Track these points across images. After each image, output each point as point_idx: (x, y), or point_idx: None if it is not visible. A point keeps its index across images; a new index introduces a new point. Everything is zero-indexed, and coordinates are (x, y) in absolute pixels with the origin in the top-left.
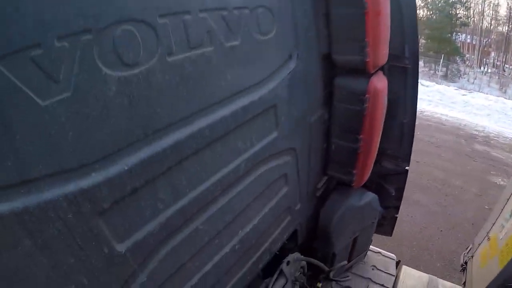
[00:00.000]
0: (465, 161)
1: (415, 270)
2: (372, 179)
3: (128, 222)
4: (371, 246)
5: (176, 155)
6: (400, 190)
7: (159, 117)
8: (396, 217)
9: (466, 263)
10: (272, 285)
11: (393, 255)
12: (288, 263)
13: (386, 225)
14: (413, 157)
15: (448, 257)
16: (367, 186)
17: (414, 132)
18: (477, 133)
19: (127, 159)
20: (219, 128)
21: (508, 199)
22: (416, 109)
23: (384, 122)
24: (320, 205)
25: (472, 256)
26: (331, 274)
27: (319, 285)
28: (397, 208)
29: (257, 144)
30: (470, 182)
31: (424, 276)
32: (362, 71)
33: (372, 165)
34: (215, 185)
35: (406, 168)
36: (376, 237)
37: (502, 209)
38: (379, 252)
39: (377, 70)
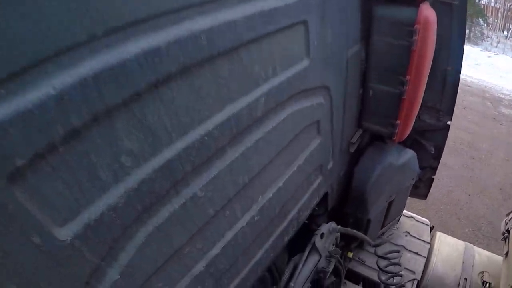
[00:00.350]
0: (492, 124)
1: (450, 236)
2: (409, 135)
3: (70, 192)
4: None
5: (150, 68)
6: (439, 149)
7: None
8: (433, 178)
9: (508, 231)
10: (303, 265)
11: (426, 220)
12: (322, 235)
13: (421, 187)
14: None
15: (477, 223)
16: (403, 144)
17: (459, 81)
18: (503, 96)
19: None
20: (224, 37)
21: None
22: (462, 54)
23: None
24: (354, 164)
25: None
26: (376, 250)
27: (350, 254)
28: (434, 169)
29: (282, 73)
30: (497, 145)
31: (460, 244)
32: None
33: (415, 117)
34: (220, 129)
35: (448, 123)
36: None
37: None
38: (412, 217)
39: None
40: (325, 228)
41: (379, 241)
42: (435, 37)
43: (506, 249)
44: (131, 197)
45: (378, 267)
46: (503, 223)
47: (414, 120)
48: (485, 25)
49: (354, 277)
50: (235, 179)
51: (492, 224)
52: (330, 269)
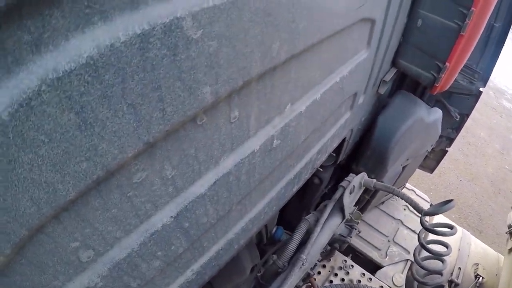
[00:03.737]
0: (492, 114)
1: (448, 219)
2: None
3: None
4: None
5: None
6: (464, 118)
7: None
8: (447, 151)
9: None
10: (322, 227)
11: (426, 196)
12: (351, 190)
13: (431, 159)
14: None
15: (465, 211)
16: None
17: (504, 43)
18: (506, 89)
19: None
20: None
21: None
22: None
23: None
24: (376, 112)
25: None
26: (422, 221)
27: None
28: (451, 141)
29: None
30: (494, 136)
31: (458, 230)
32: None
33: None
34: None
35: (481, 89)
36: None
37: None
38: (413, 190)
39: None
40: (356, 180)
41: (431, 209)
42: None
43: (511, 245)
44: None
45: (420, 243)
46: (509, 216)
47: (460, 69)
48: None
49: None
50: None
51: (479, 216)
52: (350, 239)
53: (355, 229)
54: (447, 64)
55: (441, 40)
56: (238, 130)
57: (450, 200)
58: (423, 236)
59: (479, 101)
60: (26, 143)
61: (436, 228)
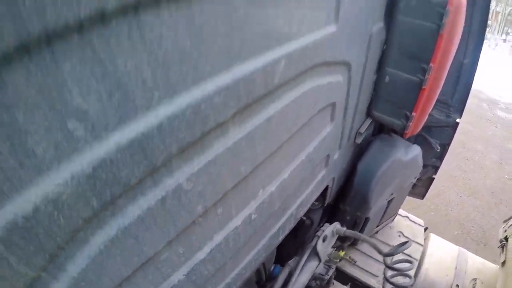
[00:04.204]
0: (487, 126)
1: (444, 240)
2: None
3: None
4: None
5: None
6: (445, 148)
7: None
8: (433, 178)
9: (506, 239)
10: (301, 270)
11: (421, 220)
12: (325, 238)
13: (420, 186)
14: None
15: (467, 226)
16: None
17: (474, 77)
18: (499, 98)
19: None
20: None
21: None
22: (481, 47)
23: None
24: (357, 157)
25: None
26: (385, 260)
27: (342, 253)
28: (436, 169)
29: (308, 35)
30: (490, 148)
31: (454, 249)
32: None
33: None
34: (224, 95)
35: (457, 120)
36: None
37: None
38: (407, 217)
39: None
40: (329, 230)
41: (391, 251)
42: (463, 23)
43: (503, 258)
44: (81, 186)
45: (385, 278)
46: (501, 230)
47: (428, 113)
48: None
49: (342, 276)
50: (236, 167)
51: (482, 228)
52: (328, 277)
53: (332, 268)
54: (413, 113)
55: (407, 93)
56: (224, 218)
57: (406, 242)
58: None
59: (472, 115)
60: None
61: (395, 265)
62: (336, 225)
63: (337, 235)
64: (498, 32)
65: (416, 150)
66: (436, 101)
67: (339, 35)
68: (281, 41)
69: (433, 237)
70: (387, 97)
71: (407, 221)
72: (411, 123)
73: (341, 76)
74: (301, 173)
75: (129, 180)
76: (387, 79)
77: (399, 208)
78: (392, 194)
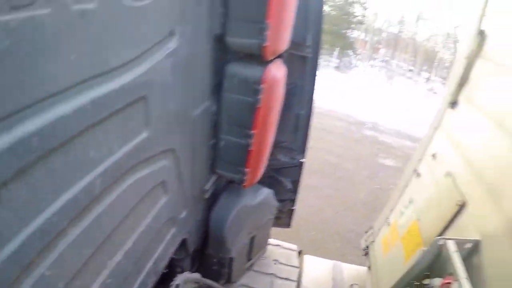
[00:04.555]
0: (356, 146)
1: (317, 257)
2: (266, 172)
3: None
4: (269, 239)
5: None
6: (296, 183)
7: None
8: (294, 209)
9: (368, 247)
10: None
11: (294, 245)
12: (178, 286)
13: (284, 218)
14: None
15: (347, 236)
16: (261, 181)
17: (310, 124)
18: (365, 120)
19: None
20: (56, 133)
21: (406, 186)
22: (313, 101)
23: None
24: (210, 208)
25: (373, 241)
26: None
27: None
28: (293, 201)
29: (119, 151)
30: (361, 165)
31: (328, 263)
32: (259, 58)
33: (266, 163)
34: (59, 215)
35: (301, 160)
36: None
37: (400, 196)
38: (279, 245)
39: (275, 58)
40: (180, 279)
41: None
42: (282, 92)
43: (368, 263)
44: None
45: None
46: (362, 241)
47: (263, 167)
48: (354, 55)
49: None
50: (81, 252)
51: (360, 236)
52: None
53: None
54: (247, 169)
55: (239, 154)
56: None
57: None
58: None
59: (343, 138)
60: None
61: None
62: (187, 274)
63: (197, 284)
64: (366, 59)
65: (264, 192)
66: (281, 147)
67: (153, 135)
68: (95, 166)
69: (307, 257)
70: (225, 158)
71: (281, 248)
72: (246, 177)
73: (166, 161)
74: (145, 239)
75: None
76: (222, 143)
77: (267, 241)
78: (251, 232)
